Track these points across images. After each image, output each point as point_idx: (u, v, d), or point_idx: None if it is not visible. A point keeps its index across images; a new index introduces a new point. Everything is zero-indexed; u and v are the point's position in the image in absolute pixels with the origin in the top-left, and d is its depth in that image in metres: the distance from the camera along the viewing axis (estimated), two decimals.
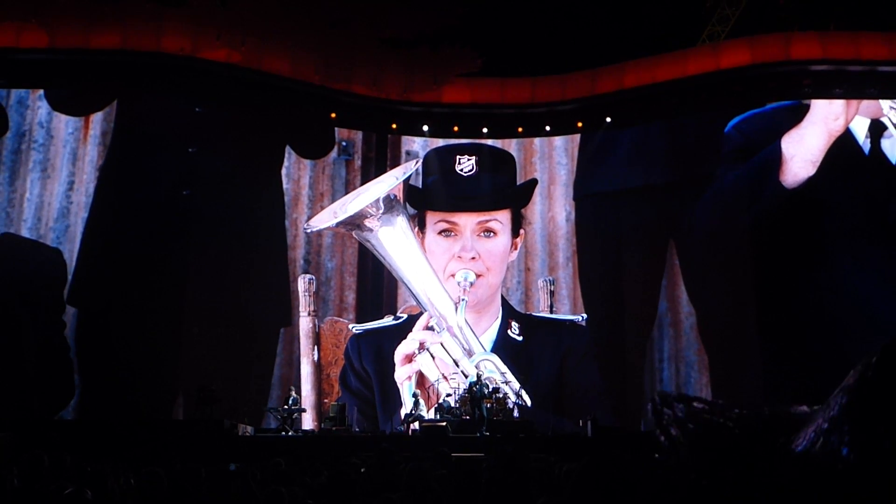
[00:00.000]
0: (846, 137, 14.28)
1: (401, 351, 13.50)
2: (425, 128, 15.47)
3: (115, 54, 14.13)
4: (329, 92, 14.95)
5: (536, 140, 15.90)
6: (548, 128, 15.59)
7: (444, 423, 11.46)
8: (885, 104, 14.31)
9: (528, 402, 13.00)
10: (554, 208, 15.51)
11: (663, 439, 0.97)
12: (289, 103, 14.99)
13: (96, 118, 14.69)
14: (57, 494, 3.69)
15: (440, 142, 15.58)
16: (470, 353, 13.36)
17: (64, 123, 14.62)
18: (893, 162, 14.21)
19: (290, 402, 12.57)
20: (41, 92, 14.67)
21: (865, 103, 14.38)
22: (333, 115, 15.30)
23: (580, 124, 15.51)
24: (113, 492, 4.45)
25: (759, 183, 14.07)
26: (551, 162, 15.75)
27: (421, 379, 13.32)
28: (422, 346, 13.38)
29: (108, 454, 7.41)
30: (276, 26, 14.50)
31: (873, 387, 0.78)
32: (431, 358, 13.25)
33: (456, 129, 15.56)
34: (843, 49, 14.47)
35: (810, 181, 13.98)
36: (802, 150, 14.04)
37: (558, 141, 15.81)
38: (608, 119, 15.26)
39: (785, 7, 15.34)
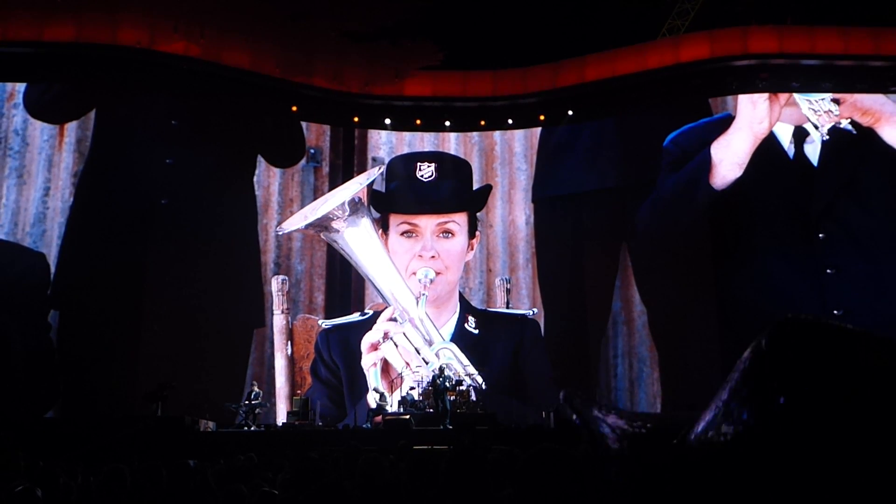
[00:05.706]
0: (772, 143, 14.85)
1: (367, 340, 14.11)
2: (387, 121, 15.45)
3: (70, 47, 13.90)
4: (290, 85, 14.86)
5: (497, 146, 16.14)
6: (510, 121, 15.66)
7: (408, 417, 11.47)
8: (803, 104, 14.77)
9: (483, 386, 13.54)
10: (514, 212, 15.99)
11: (575, 418, 0.97)
12: (249, 96, 14.87)
13: (71, 126, 14.64)
14: (7, 493, 3.61)
15: (405, 149, 15.92)
16: (430, 343, 13.92)
17: (39, 131, 14.57)
18: (815, 165, 14.79)
19: (252, 396, 12.46)
20: (17, 100, 14.55)
21: (789, 111, 14.86)
22: (294, 108, 15.20)
23: (542, 117, 15.58)
24: (69, 489, 4.37)
25: (692, 186, 14.75)
26: (511, 167, 16.16)
27: (386, 367, 13.87)
28: (386, 336, 13.95)
29: (65, 452, 7.30)
30: (236, 19, 14.34)
31: (763, 360, 0.78)
32: (395, 346, 13.80)
33: (418, 122, 15.58)
34: (799, 43, 14.69)
35: (737, 182, 14.64)
36: (730, 154, 14.68)
37: (518, 147, 16.15)
38: (570, 112, 15.35)
39: (743, 1, 15.52)
